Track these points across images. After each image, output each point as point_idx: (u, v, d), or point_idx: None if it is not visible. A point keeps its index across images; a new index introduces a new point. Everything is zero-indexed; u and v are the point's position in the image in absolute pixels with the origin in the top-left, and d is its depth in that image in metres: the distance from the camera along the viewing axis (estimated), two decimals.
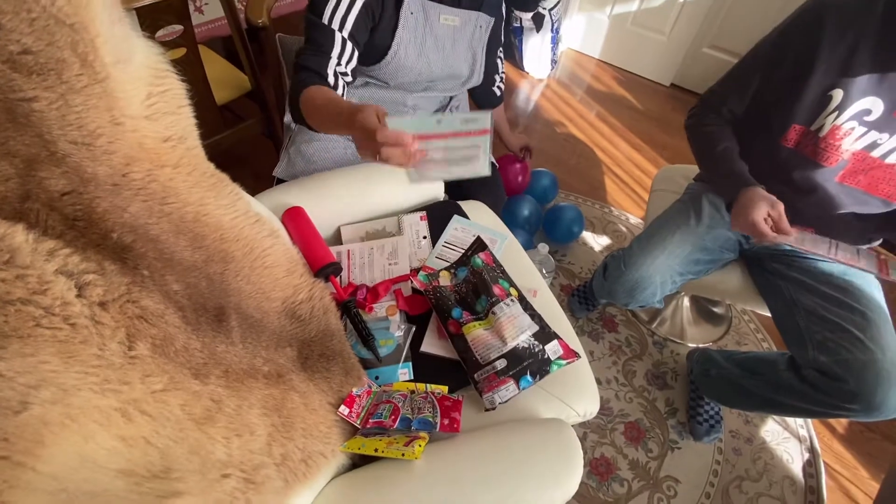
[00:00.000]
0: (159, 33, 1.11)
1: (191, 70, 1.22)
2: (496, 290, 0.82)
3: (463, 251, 0.94)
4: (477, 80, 1.12)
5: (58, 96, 0.47)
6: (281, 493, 0.57)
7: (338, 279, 0.87)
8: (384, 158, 0.58)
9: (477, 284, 0.85)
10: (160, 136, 0.61)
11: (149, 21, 1.06)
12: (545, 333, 0.79)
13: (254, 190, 0.84)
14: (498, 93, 1.28)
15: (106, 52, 0.53)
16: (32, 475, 0.33)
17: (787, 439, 1.29)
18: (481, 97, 1.28)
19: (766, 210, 0.84)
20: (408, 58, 0.95)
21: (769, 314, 1.05)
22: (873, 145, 0.84)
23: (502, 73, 1.27)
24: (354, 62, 0.91)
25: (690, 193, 1.14)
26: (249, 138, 1.56)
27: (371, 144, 0.59)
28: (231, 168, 0.72)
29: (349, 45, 0.88)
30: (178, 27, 1.14)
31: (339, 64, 0.87)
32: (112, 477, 0.38)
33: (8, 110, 0.44)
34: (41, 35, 0.46)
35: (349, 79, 0.91)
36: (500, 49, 1.20)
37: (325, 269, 0.82)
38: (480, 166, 0.64)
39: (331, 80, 0.86)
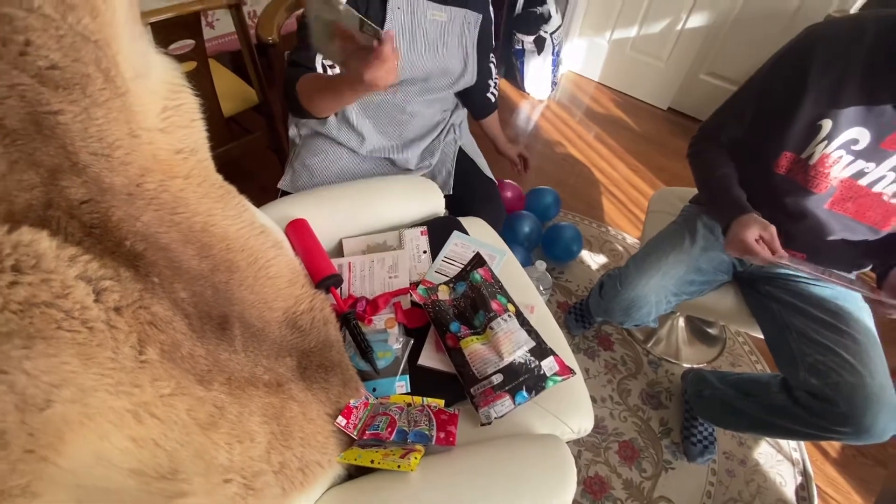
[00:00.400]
0: (171, 47, 1.15)
1: (200, 83, 1.25)
2: (494, 305, 0.84)
3: (462, 266, 0.95)
4: (471, 78, 1.15)
5: (81, 109, 0.49)
6: (278, 500, 0.57)
7: (338, 291, 0.89)
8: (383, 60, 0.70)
9: (475, 299, 0.86)
10: (173, 148, 0.63)
11: (162, 35, 1.09)
12: (541, 349, 0.81)
13: (259, 202, 0.86)
14: (492, 99, 1.31)
15: (126, 68, 0.56)
16: (55, 470, 0.34)
17: (780, 462, 1.30)
18: (476, 104, 1.32)
19: (757, 232, 0.86)
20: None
21: (762, 336, 1.07)
22: (860, 174, 0.86)
23: (495, 79, 1.30)
24: None
25: (685, 215, 1.17)
26: (256, 152, 1.59)
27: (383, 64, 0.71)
28: (238, 181, 0.74)
29: None
30: (191, 42, 1.18)
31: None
32: (125, 476, 0.39)
33: (35, 122, 0.46)
34: (68, 51, 0.48)
35: (337, 71, 0.96)
36: (493, 55, 1.24)
37: (326, 281, 0.84)
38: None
39: (319, 71, 0.93)
